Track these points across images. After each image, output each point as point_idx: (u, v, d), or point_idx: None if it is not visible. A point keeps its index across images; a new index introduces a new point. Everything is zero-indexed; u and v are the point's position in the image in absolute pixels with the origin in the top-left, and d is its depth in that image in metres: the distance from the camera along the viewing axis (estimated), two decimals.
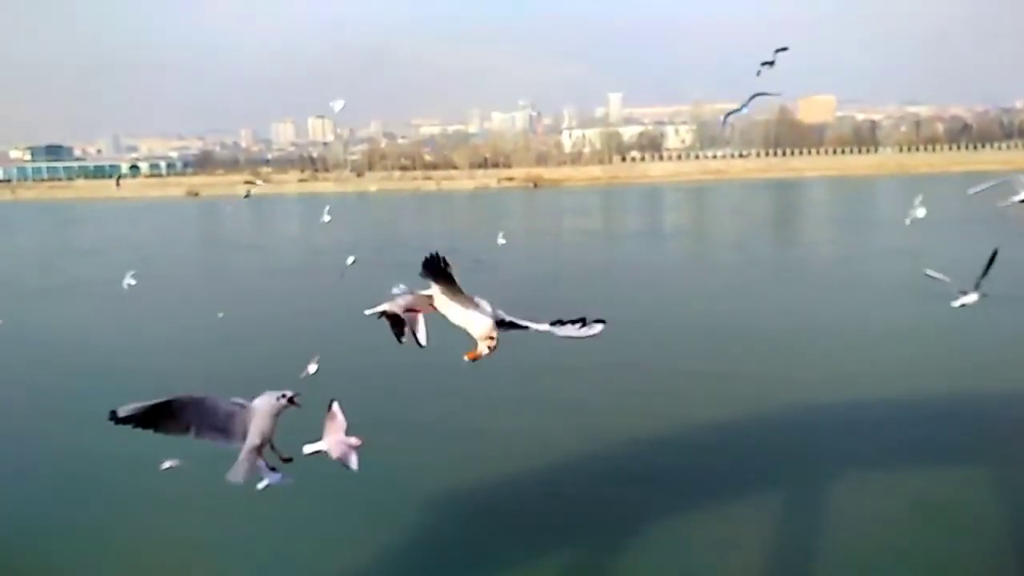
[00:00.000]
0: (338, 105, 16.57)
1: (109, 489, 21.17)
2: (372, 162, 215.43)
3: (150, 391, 5.24)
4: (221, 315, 33.79)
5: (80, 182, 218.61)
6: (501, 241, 24.20)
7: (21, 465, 23.43)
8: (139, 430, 5.20)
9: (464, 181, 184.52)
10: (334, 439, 6.02)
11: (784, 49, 11.25)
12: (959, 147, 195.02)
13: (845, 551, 17.23)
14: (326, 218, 25.19)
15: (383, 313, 5.70)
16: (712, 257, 64.93)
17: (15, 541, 18.79)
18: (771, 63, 11.47)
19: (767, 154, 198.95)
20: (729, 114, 14.53)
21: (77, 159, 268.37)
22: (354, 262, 17.33)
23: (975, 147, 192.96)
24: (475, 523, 19.02)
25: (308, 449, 6.05)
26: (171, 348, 36.53)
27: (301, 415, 5.59)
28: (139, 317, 43.14)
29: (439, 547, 18.05)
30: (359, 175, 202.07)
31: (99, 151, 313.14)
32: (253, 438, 5.54)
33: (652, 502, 19.38)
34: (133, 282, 17.84)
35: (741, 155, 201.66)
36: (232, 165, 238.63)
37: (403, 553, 17.88)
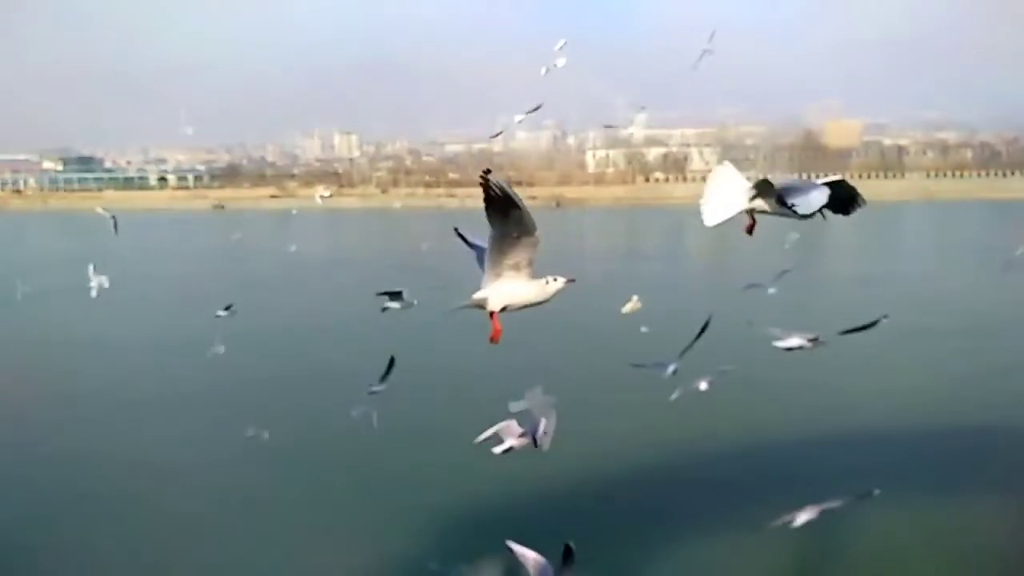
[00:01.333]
0: (189, 130, 16.76)
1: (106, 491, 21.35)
2: (397, 179, 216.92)
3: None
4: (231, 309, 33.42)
5: (110, 193, 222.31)
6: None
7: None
8: None
9: None
10: (535, 397, 6.20)
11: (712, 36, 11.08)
12: (987, 174, 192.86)
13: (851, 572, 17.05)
14: (236, 236, 25.05)
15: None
16: (727, 282, 64.42)
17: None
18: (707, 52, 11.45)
19: None
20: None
21: (107, 170, 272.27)
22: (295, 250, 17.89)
23: (1004, 175, 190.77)
24: (480, 533, 18.93)
25: (514, 408, 6.20)
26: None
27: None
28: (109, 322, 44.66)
29: (440, 555, 18.00)
30: (384, 191, 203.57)
31: (129, 162, 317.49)
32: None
33: (661, 521, 19.22)
34: (27, 289, 18.47)
35: None
36: (259, 179, 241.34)
37: (404, 559, 17.85)
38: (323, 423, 26.40)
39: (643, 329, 23.83)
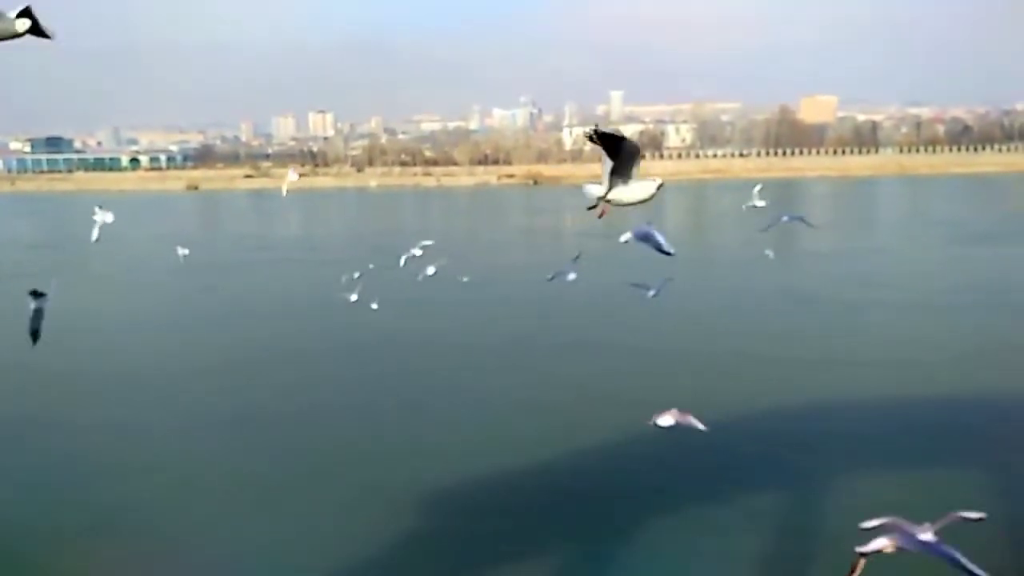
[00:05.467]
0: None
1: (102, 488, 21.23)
2: (372, 158, 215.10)
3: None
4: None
5: (80, 174, 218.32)
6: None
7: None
8: None
9: (464, 178, 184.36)
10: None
11: None
12: (959, 149, 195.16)
13: (842, 555, 17.29)
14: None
15: None
16: (704, 257, 64.80)
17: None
18: None
19: (768, 154, 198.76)
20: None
21: (77, 151, 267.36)
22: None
23: (975, 149, 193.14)
24: (477, 520, 19.06)
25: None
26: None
27: None
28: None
29: (436, 543, 18.09)
30: (359, 170, 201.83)
31: (99, 143, 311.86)
32: None
33: (651, 503, 19.42)
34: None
35: (742, 154, 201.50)
36: (232, 159, 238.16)
37: (403, 545, 17.92)
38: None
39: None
